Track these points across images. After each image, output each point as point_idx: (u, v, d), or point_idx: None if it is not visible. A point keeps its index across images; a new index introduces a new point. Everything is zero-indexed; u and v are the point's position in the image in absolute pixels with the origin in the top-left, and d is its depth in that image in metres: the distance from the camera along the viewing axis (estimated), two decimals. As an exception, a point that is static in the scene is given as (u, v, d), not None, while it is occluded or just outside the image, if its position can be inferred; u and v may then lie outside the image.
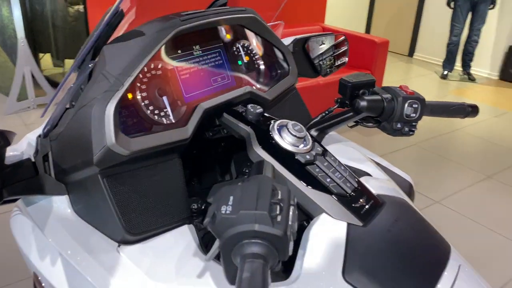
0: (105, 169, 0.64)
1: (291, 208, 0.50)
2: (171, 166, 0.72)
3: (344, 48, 1.16)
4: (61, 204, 0.71)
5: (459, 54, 5.20)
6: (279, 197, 0.50)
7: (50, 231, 0.69)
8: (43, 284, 0.75)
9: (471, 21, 4.99)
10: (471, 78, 5.22)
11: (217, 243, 0.50)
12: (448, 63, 5.24)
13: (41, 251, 0.73)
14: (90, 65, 0.69)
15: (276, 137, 0.74)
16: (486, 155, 3.35)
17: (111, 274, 0.62)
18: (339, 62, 1.17)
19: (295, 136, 0.74)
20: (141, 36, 0.70)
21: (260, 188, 0.50)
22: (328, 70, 1.14)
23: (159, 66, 0.74)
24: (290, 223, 0.48)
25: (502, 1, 5.07)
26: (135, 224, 0.66)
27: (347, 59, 1.20)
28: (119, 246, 0.66)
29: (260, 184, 0.51)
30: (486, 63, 5.38)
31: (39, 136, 0.74)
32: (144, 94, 0.71)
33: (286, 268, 0.65)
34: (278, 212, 0.48)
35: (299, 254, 0.65)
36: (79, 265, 0.64)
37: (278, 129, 0.75)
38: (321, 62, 1.12)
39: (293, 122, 0.76)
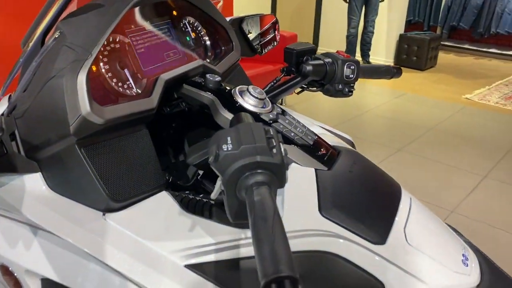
0: (81, 139, 0.64)
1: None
2: (141, 137, 0.73)
3: (274, 28, 1.24)
4: (34, 182, 0.68)
5: (358, 45, 5.63)
6: (271, 133, 0.54)
7: (28, 210, 0.66)
8: (15, 274, 0.72)
9: (365, 14, 5.43)
10: (372, 66, 5.68)
11: (219, 181, 0.53)
12: (349, 53, 5.64)
13: (10, 237, 0.70)
14: (51, 41, 0.68)
15: (240, 100, 0.78)
16: (393, 132, 3.69)
17: (104, 239, 0.62)
18: (273, 42, 1.25)
19: (256, 98, 0.79)
20: (99, 8, 0.70)
21: (253, 127, 0.54)
22: (263, 49, 1.22)
23: (117, 40, 0.75)
24: (283, 154, 0.53)
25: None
26: (117, 191, 0.66)
27: (278, 37, 1.28)
28: (104, 214, 0.66)
29: (252, 125, 0.55)
30: (382, 51, 5.88)
31: (2, 114, 0.71)
32: (107, 66, 0.72)
33: None
34: (273, 144, 0.52)
35: (277, 199, 0.70)
36: (71, 237, 0.63)
37: (239, 93, 0.80)
38: (256, 41, 1.18)
39: (252, 86, 0.81)
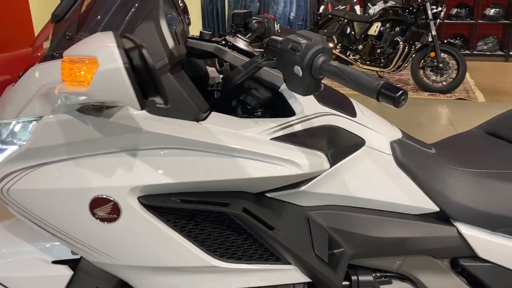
0: (170, 69, 0.81)
1: None
2: (184, 74, 0.92)
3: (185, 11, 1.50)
4: (132, 110, 0.80)
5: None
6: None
7: (147, 125, 0.79)
8: (115, 200, 0.81)
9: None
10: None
11: (297, 67, 0.78)
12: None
13: (107, 169, 0.80)
14: None
15: (236, 43, 1.04)
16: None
17: (208, 134, 0.80)
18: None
19: (245, 41, 1.05)
20: None
21: (296, 34, 0.81)
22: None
23: None
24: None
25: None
26: (198, 105, 0.84)
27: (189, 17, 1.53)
28: (198, 122, 0.83)
29: (303, 31, 0.82)
30: (189, 60, 6.38)
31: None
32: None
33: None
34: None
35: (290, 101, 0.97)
36: (187, 135, 0.79)
37: (232, 40, 1.05)
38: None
39: (237, 34, 1.07)
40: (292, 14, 7.22)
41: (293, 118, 0.91)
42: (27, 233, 1.08)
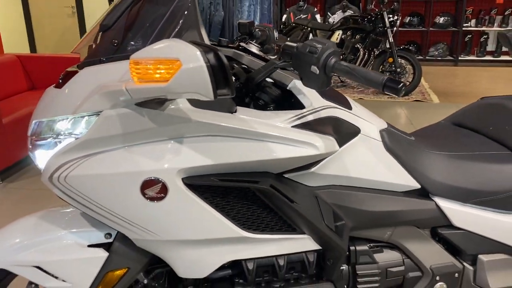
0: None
1: None
2: None
3: None
4: (184, 104, 0.95)
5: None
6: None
7: (196, 116, 0.95)
8: (163, 181, 0.96)
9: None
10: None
11: (314, 66, 0.95)
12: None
13: (155, 155, 0.95)
14: None
15: (250, 48, 1.21)
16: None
17: (242, 122, 0.96)
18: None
19: (257, 46, 1.22)
20: None
21: (319, 38, 0.99)
22: None
23: None
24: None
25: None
26: (230, 100, 1.01)
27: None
28: (232, 113, 0.99)
29: (316, 38, 1.00)
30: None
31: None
32: None
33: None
34: None
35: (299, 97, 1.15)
36: (226, 122, 0.96)
37: (246, 45, 1.22)
38: None
39: (249, 40, 1.24)
40: (256, 23, 7.43)
41: (305, 110, 1.09)
42: (61, 222, 1.19)
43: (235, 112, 1.01)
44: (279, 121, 1.03)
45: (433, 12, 7.43)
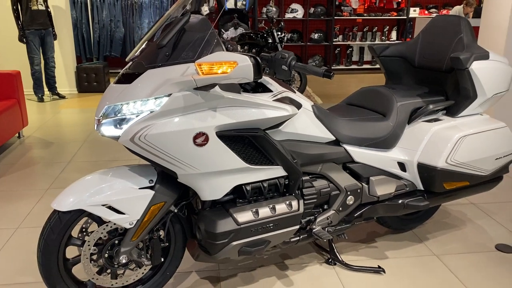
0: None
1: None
2: None
3: None
4: (217, 88, 1.63)
5: (44, 80, 6.19)
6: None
7: (225, 94, 1.64)
8: (206, 133, 1.63)
9: (44, 51, 6.07)
10: (61, 96, 6.35)
11: (284, 66, 1.71)
12: (38, 88, 6.13)
13: (216, 117, 1.63)
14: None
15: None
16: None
17: (254, 99, 1.68)
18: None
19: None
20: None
21: (284, 50, 1.76)
22: None
23: None
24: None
25: (59, 32, 6.39)
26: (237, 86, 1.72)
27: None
28: (241, 93, 1.70)
29: (282, 50, 1.76)
30: (65, 82, 6.64)
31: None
32: None
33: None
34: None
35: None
36: (245, 98, 1.66)
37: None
38: None
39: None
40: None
41: (274, 92, 1.85)
42: (117, 175, 1.78)
43: (241, 93, 1.73)
44: (265, 97, 1.78)
45: (309, 29, 8.79)
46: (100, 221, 1.82)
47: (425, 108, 2.24)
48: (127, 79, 1.69)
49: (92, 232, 1.80)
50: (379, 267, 2.26)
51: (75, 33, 7.54)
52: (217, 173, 1.74)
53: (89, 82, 6.68)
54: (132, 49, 1.85)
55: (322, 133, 2.03)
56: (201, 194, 1.78)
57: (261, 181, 1.88)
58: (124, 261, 1.81)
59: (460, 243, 2.54)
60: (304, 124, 1.96)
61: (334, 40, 8.80)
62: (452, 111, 2.31)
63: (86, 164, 3.78)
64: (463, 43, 2.26)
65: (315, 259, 2.36)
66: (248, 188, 1.84)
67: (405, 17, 8.90)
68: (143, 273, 1.92)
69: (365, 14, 8.86)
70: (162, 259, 1.96)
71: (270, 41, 6.26)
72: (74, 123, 5.07)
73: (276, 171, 1.88)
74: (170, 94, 1.60)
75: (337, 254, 2.32)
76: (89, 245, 1.78)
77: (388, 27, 9.06)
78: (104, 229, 1.79)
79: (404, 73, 2.58)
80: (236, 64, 1.51)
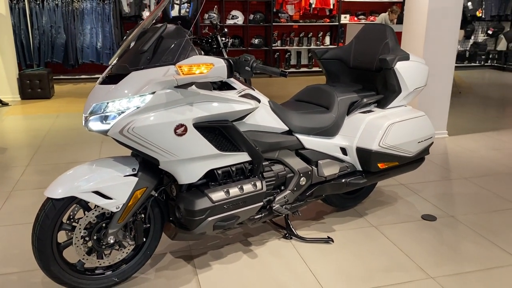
0: None
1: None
2: None
3: None
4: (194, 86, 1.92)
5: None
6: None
7: (200, 91, 1.92)
8: (185, 125, 1.92)
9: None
10: (4, 103, 6.25)
11: (248, 68, 2.04)
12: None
13: (196, 109, 1.92)
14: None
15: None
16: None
17: (223, 95, 2.00)
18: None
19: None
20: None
21: (247, 54, 2.09)
22: None
23: None
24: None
25: (0, 39, 6.29)
26: (209, 84, 2.03)
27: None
28: (211, 90, 2.01)
29: (246, 54, 2.08)
30: (7, 89, 6.53)
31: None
32: None
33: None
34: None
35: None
36: (217, 94, 1.97)
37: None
38: None
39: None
40: (99, 44, 8.03)
41: (238, 89, 2.18)
42: (104, 165, 2.02)
43: (212, 90, 2.05)
44: (232, 94, 2.10)
45: (250, 35, 9.21)
46: (87, 207, 2.05)
47: (360, 102, 2.67)
48: (112, 80, 1.94)
49: (81, 218, 2.02)
50: (328, 237, 2.66)
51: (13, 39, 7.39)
52: (193, 159, 2.04)
53: (32, 88, 6.61)
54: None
55: (278, 124, 2.38)
56: (179, 179, 2.07)
57: (230, 166, 2.20)
58: (111, 241, 2.06)
59: (393, 216, 3.01)
60: (263, 116, 2.31)
61: (273, 45, 9.29)
62: (381, 104, 2.76)
63: (46, 167, 3.88)
64: (389, 47, 2.73)
65: (273, 236, 2.71)
66: (220, 172, 2.16)
67: (337, 23, 9.59)
68: (127, 252, 2.17)
69: (300, 21, 9.44)
70: (144, 239, 2.22)
71: (215, 46, 6.57)
72: (23, 130, 5.08)
73: (242, 157, 2.21)
74: (154, 92, 1.88)
75: (292, 229, 2.69)
76: (80, 228, 2.00)
77: (322, 32, 9.70)
78: (93, 213, 2.02)
79: (341, 73, 3.02)
80: (213, 66, 1.83)
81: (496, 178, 3.73)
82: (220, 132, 2.11)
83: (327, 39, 9.77)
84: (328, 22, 9.56)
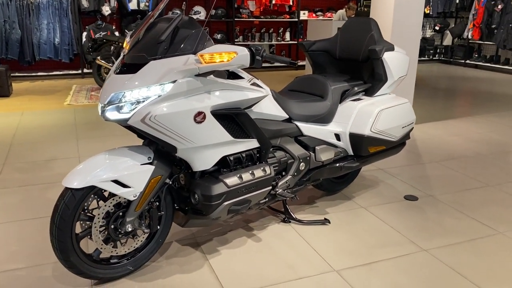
0: None
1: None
2: None
3: None
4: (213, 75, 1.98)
5: None
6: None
7: (218, 80, 1.99)
8: (204, 112, 1.98)
9: None
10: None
11: (259, 57, 2.12)
12: None
13: (205, 99, 1.98)
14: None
15: None
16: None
17: (238, 83, 2.07)
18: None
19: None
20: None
21: (256, 44, 2.18)
22: None
23: None
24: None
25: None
26: (225, 73, 2.10)
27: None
28: (227, 79, 2.08)
29: (256, 44, 2.17)
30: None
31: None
32: None
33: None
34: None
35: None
36: (233, 82, 2.05)
37: None
38: None
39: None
40: (57, 40, 7.76)
41: (247, 79, 2.26)
42: (122, 154, 2.04)
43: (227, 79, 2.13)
44: (244, 82, 2.19)
45: (212, 30, 9.23)
46: (103, 197, 2.06)
47: (351, 90, 2.84)
48: (129, 69, 1.97)
49: (95, 208, 2.03)
50: (325, 219, 2.81)
51: (-36, 35, 7.00)
52: (209, 146, 2.10)
53: (-11, 86, 6.30)
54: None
55: (280, 112, 2.49)
56: (194, 166, 2.13)
57: (240, 152, 2.28)
58: (130, 229, 2.08)
59: (378, 197, 3.21)
60: (267, 105, 2.41)
61: (236, 40, 9.36)
62: (369, 92, 2.94)
63: (25, 165, 3.76)
64: (374, 39, 2.91)
65: (273, 220, 2.83)
66: (232, 158, 2.24)
67: (297, 20, 9.82)
68: (141, 240, 2.20)
69: (261, 17, 9.58)
70: (158, 227, 2.26)
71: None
72: (-11, 128, 4.86)
73: (252, 143, 2.30)
74: (175, 81, 1.93)
75: (291, 213, 2.81)
76: (99, 218, 2.02)
77: (282, 28, 9.90)
78: (111, 203, 2.04)
79: (328, 64, 3.17)
80: (236, 54, 1.91)
81: (462, 161, 4.05)
82: (232, 119, 2.19)
83: (287, 35, 9.98)
84: (288, 18, 9.76)
